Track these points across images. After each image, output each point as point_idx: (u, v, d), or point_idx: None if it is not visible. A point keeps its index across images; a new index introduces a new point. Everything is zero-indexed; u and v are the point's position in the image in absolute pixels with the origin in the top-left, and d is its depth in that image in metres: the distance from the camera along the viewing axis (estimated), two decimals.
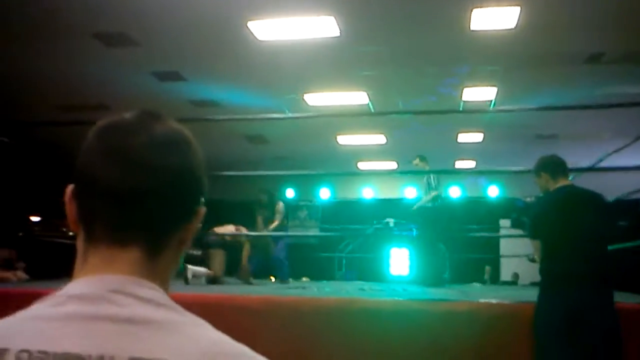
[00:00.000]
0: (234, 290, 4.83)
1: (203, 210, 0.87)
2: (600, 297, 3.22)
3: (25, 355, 0.69)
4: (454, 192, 13.16)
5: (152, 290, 0.77)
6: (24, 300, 0.80)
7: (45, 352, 0.69)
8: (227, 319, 3.38)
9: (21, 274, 8.48)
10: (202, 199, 0.86)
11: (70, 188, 0.82)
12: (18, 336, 0.71)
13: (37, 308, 0.74)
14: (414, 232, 7.33)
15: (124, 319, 0.72)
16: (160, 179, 0.79)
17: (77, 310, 0.72)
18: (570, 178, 6.36)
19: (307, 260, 10.87)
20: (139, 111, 0.84)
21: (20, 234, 10.58)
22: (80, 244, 0.81)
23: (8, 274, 8.05)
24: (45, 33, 6.88)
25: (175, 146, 0.82)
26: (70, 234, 7.71)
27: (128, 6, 6.18)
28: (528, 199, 4.49)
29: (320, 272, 10.83)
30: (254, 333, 3.03)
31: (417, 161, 7.45)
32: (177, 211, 0.82)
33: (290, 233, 8.23)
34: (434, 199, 7.10)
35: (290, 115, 6.94)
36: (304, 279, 9.84)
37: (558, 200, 3.49)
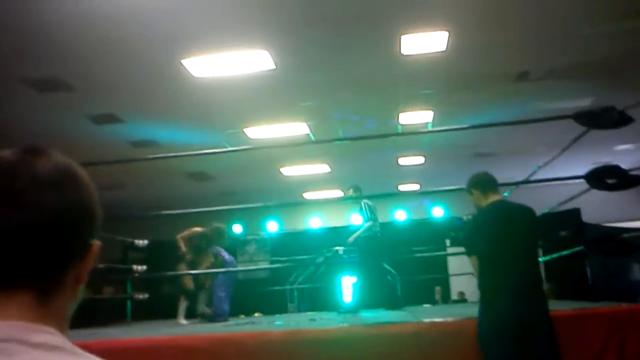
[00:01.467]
0: (178, 331, 4.74)
1: (97, 244, 0.84)
2: (535, 306, 3.32)
3: None
4: (400, 215, 13.31)
5: (46, 334, 0.73)
6: None
7: None
8: None
9: None
10: (94, 234, 0.84)
11: None
12: None
13: None
14: (357, 260, 7.45)
15: None
16: (45, 218, 0.76)
17: None
18: (507, 193, 6.54)
19: (258, 296, 10.76)
20: (21, 148, 0.81)
21: None
22: None
23: None
24: None
25: (60, 183, 0.79)
26: None
27: (58, 50, 6.08)
28: (466, 217, 4.57)
29: (273, 306, 10.72)
30: None
31: (350, 192, 7.61)
32: (67, 249, 0.79)
33: (238, 268, 8.09)
34: (369, 229, 7.25)
35: (229, 149, 6.91)
36: (256, 314, 9.71)
37: (489, 216, 3.59)
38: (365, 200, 7.42)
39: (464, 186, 3.95)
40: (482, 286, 3.47)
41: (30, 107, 7.61)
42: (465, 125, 7.13)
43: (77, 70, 6.61)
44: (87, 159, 4.24)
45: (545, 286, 3.88)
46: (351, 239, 7.40)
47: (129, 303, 7.77)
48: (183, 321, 7.46)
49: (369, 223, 7.26)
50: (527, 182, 6.51)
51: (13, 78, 6.70)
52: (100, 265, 6.06)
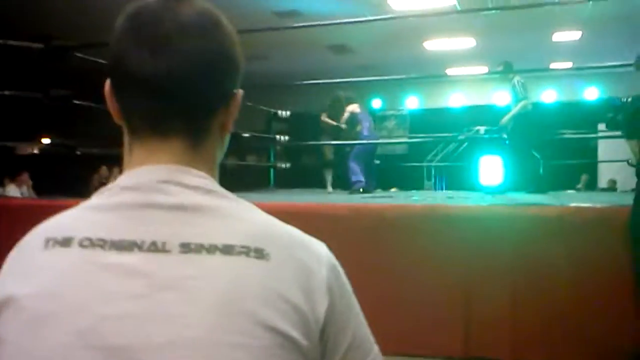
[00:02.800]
0: (320, 199, 4.91)
1: (240, 93, 0.85)
2: None
3: (87, 242, 0.74)
4: (549, 96, 12.54)
5: (199, 178, 0.78)
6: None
7: (103, 240, 0.73)
8: (313, 225, 3.45)
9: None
10: (238, 83, 0.84)
11: (107, 82, 0.82)
12: (81, 225, 0.76)
13: (95, 199, 0.79)
14: (506, 141, 7.10)
15: (174, 206, 0.75)
16: (191, 63, 0.77)
17: (129, 200, 0.76)
18: None
19: (395, 171, 10.83)
20: None
21: None
22: (125, 137, 0.83)
23: None
24: None
25: (205, 28, 0.80)
26: None
27: None
28: (625, 99, 4.13)
29: (409, 182, 10.79)
30: (338, 238, 3.06)
31: (500, 68, 7.14)
32: (212, 95, 0.81)
33: (373, 141, 8.08)
34: (523, 107, 6.86)
35: (371, 18, 6.66)
36: (393, 189, 9.84)
37: None
38: (518, 78, 6.99)
39: (626, 62, 3.58)
40: None
41: None
42: None
43: None
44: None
45: None
46: (505, 119, 7.07)
47: (272, 171, 8.13)
48: (330, 189, 7.82)
49: (524, 102, 6.87)
50: None
51: None
52: (245, 134, 6.32)
